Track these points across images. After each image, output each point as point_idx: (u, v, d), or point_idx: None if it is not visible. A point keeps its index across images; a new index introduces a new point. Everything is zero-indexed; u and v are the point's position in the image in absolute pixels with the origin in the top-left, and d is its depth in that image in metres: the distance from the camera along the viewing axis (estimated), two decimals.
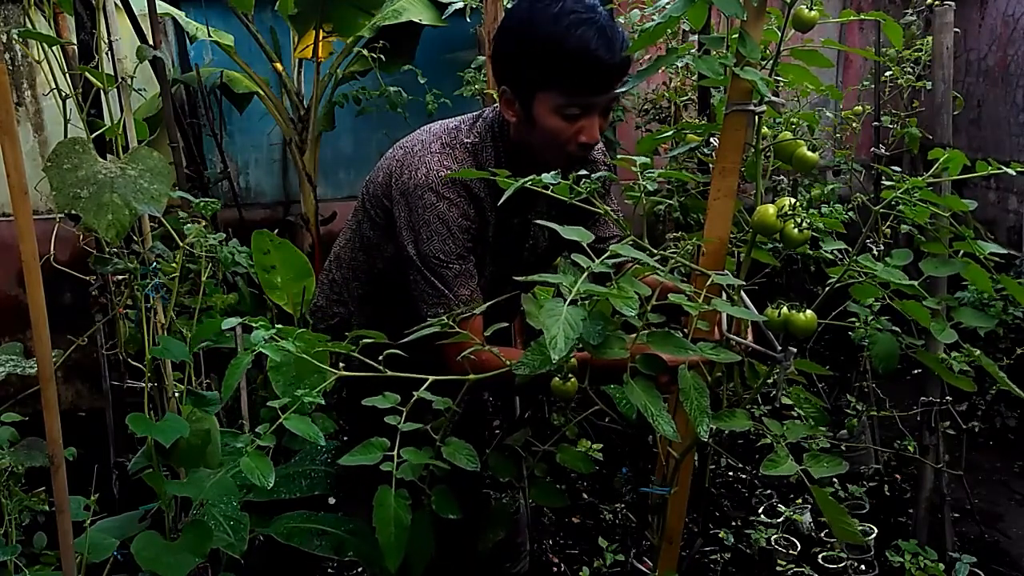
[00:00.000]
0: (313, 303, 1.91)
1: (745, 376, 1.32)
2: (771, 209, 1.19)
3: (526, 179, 1.20)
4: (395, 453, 1.26)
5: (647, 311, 1.10)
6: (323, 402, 1.25)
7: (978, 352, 1.37)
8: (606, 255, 1.08)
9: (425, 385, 1.28)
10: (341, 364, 1.28)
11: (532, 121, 1.53)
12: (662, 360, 1.11)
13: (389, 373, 1.27)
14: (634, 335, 1.11)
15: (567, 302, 1.00)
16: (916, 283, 1.18)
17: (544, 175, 1.20)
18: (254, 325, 1.22)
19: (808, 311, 1.16)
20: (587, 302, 1.07)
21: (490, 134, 1.64)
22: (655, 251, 1.21)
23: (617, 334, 1.11)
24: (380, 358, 1.28)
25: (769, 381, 1.28)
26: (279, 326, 1.24)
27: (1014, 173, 1.15)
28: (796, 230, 1.16)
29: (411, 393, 1.29)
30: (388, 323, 1.39)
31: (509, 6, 3.03)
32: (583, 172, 1.23)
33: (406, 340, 1.32)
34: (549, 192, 1.20)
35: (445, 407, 1.31)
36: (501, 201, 1.27)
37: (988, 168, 1.15)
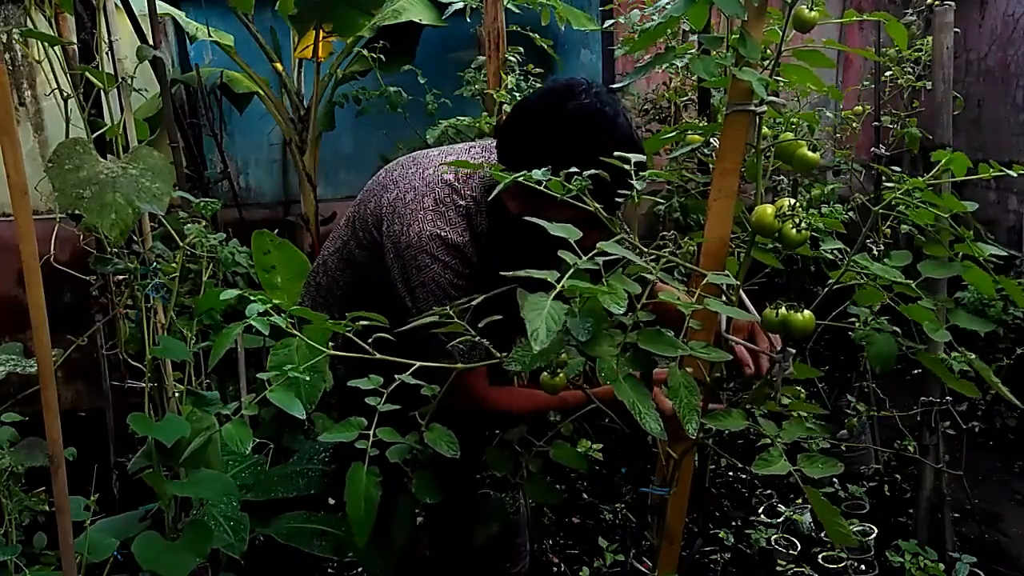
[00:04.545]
0: (298, 303, 1.91)
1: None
2: (769, 209, 1.19)
3: (516, 175, 1.19)
4: (371, 432, 1.28)
5: (638, 310, 1.10)
6: (308, 378, 1.25)
7: (973, 356, 1.37)
8: (594, 252, 1.08)
9: (410, 371, 1.28)
10: (331, 344, 1.29)
11: (538, 218, 1.46)
12: (652, 358, 1.11)
13: (378, 356, 1.27)
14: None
15: (551, 296, 1.00)
16: (913, 283, 1.18)
17: (535, 171, 1.19)
18: (252, 298, 1.22)
19: (806, 311, 1.16)
20: (578, 300, 1.07)
21: (485, 197, 1.59)
22: (646, 250, 1.21)
23: (607, 332, 1.11)
24: (370, 341, 1.29)
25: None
26: (276, 301, 1.24)
27: (1015, 175, 1.15)
28: (794, 230, 1.16)
29: (397, 386, 1.30)
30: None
31: (508, 6, 3.04)
32: (573, 170, 1.22)
33: (401, 329, 1.32)
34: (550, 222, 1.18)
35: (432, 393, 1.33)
36: (492, 195, 1.26)
37: (991, 171, 1.15)
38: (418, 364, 1.30)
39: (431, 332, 1.34)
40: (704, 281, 1.16)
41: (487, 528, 1.56)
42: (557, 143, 1.47)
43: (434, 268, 1.56)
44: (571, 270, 1.04)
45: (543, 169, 1.19)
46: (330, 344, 1.30)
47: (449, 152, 1.74)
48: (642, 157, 1.26)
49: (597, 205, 1.21)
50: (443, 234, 1.56)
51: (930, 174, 1.20)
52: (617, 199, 1.35)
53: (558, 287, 1.01)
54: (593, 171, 1.21)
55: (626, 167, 1.23)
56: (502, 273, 1.12)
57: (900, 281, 1.15)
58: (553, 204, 1.23)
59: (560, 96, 1.53)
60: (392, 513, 1.50)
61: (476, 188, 1.60)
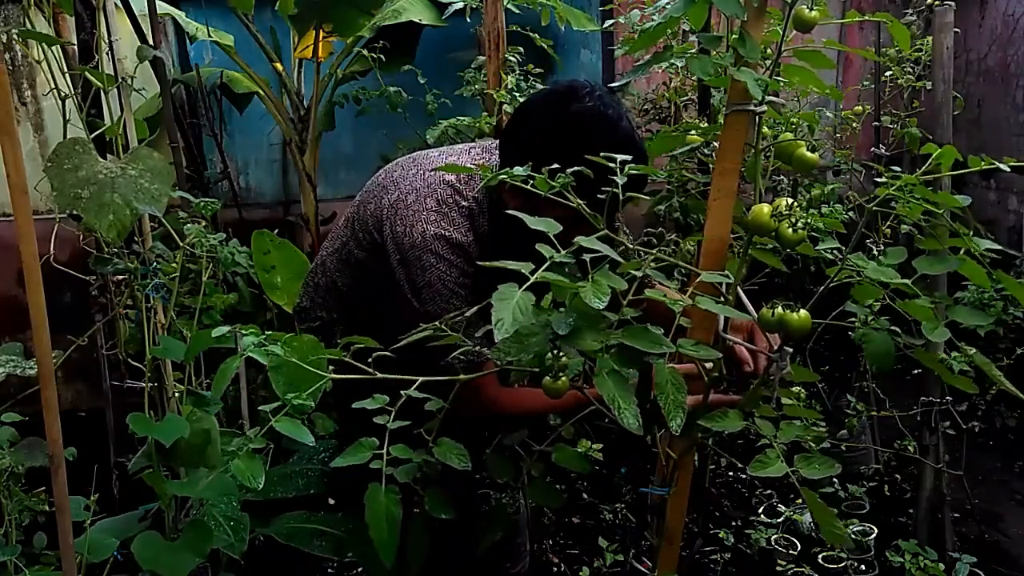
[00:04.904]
0: (297, 304, 1.91)
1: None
2: (766, 209, 1.19)
3: (498, 173, 1.20)
4: (384, 451, 1.27)
5: (624, 306, 1.10)
6: (312, 405, 1.26)
7: (973, 351, 1.37)
8: (572, 248, 1.08)
9: (415, 386, 1.28)
10: (331, 368, 1.29)
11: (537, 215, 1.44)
12: (637, 354, 1.11)
13: (379, 375, 1.27)
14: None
15: (523, 288, 1.00)
16: (909, 281, 1.18)
17: (516, 168, 1.19)
18: (244, 332, 1.23)
19: (802, 311, 1.16)
20: (567, 298, 1.07)
21: (487, 198, 1.60)
22: (633, 246, 1.21)
23: (591, 326, 1.10)
24: (369, 360, 1.29)
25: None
26: (269, 332, 1.24)
27: (1007, 169, 1.16)
28: (791, 230, 1.16)
29: (400, 394, 1.29)
30: (370, 330, 1.38)
31: (508, 6, 3.04)
32: (554, 167, 1.22)
33: (398, 346, 1.32)
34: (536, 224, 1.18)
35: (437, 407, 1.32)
36: (484, 190, 1.27)
37: (982, 164, 1.16)
38: (421, 380, 1.29)
39: (438, 345, 1.33)
40: (697, 280, 1.16)
41: (491, 534, 1.55)
42: (559, 145, 1.47)
43: (439, 267, 1.56)
44: (547, 263, 1.04)
45: (526, 166, 1.19)
46: (330, 368, 1.30)
47: (449, 153, 1.73)
48: (636, 161, 1.26)
49: (581, 201, 1.21)
50: (447, 234, 1.56)
51: (922, 169, 1.20)
52: (620, 199, 1.35)
53: (532, 279, 1.02)
54: (581, 168, 1.21)
55: (611, 165, 1.23)
56: (480, 264, 1.12)
57: (896, 281, 1.15)
58: (551, 204, 1.23)
59: (563, 98, 1.53)
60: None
61: (478, 189, 1.60)
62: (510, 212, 1.22)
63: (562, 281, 1.04)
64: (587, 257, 1.09)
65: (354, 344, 1.30)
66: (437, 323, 1.32)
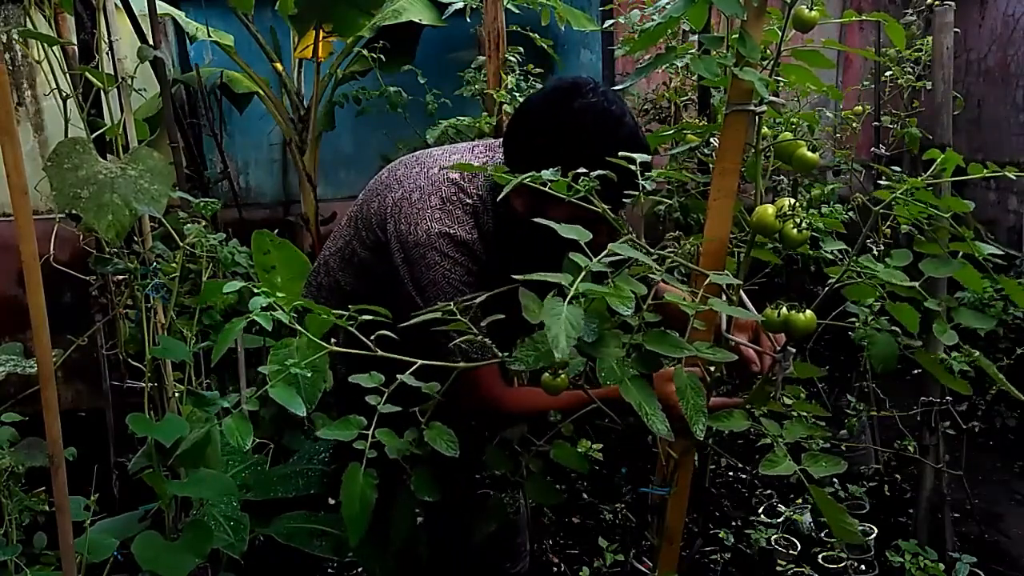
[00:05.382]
0: None
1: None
2: (770, 209, 1.19)
3: (523, 176, 1.19)
4: (370, 432, 1.28)
5: (644, 311, 1.10)
6: (309, 374, 1.25)
7: (977, 353, 1.37)
8: (603, 253, 1.07)
9: (411, 370, 1.28)
10: (333, 340, 1.29)
11: (542, 216, 1.38)
12: (658, 359, 1.11)
13: (380, 353, 1.27)
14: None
15: (567, 300, 0.99)
16: (916, 284, 1.18)
17: (544, 171, 1.19)
18: (256, 290, 1.22)
19: (808, 311, 1.16)
20: (583, 300, 1.06)
21: (491, 196, 1.59)
22: (653, 251, 1.21)
23: (613, 332, 1.10)
24: (372, 338, 1.29)
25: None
26: (280, 294, 1.24)
27: (1013, 177, 1.15)
28: (795, 230, 1.16)
29: (397, 381, 1.30)
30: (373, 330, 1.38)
31: (508, 6, 3.04)
32: (581, 170, 1.22)
33: (406, 324, 1.32)
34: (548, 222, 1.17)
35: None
36: (500, 196, 1.26)
37: (984, 171, 1.15)
38: (420, 363, 1.29)
39: (442, 331, 1.33)
40: (707, 281, 1.16)
41: (486, 526, 1.55)
42: (562, 141, 1.47)
43: (444, 265, 1.55)
44: (583, 272, 1.03)
45: (552, 169, 1.19)
46: (332, 341, 1.30)
47: (452, 151, 1.73)
48: (648, 156, 1.26)
49: (605, 206, 1.20)
50: (451, 231, 1.56)
51: (927, 173, 1.20)
52: (624, 199, 1.35)
53: (572, 290, 1.00)
54: (600, 172, 1.21)
55: (631, 167, 1.22)
56: (514, 276, 1.11)
57: (903, 283, 1.15)
58: (556, 203, 1.23)
59: (566, 94, 1.53)
60: (392, 512, 1.50)
61: (482, 187, 1.60)
62: (517, 212, 1.22)
63: (598, 291, 1.03)
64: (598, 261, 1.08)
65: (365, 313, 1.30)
66: (441, 312, 1.32)
